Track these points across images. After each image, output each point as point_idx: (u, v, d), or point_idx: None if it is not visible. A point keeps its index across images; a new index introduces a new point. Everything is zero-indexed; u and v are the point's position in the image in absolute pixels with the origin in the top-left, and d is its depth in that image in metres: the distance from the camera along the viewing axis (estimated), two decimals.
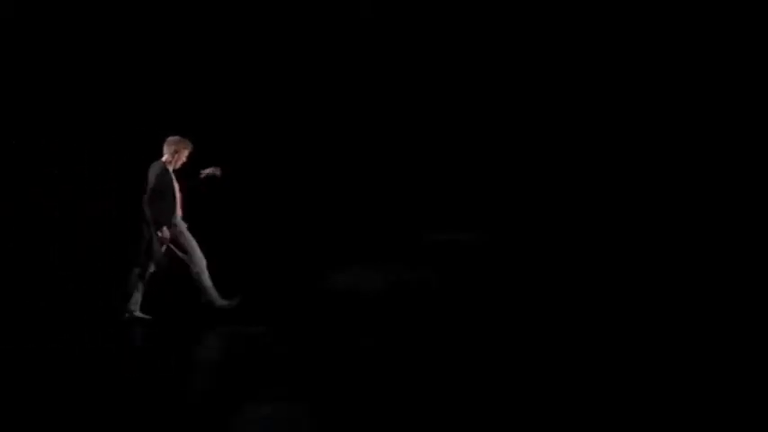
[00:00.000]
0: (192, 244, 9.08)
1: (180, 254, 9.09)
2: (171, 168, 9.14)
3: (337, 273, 10.41)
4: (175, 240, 9.06)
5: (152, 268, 9.03)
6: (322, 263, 9.52)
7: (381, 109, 13.75)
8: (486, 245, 11.88)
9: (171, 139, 9.23)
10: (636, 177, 13.23)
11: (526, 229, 12.48)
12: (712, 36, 13.16)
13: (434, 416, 6.30)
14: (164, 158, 9.15)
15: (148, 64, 13.20)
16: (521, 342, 7.96)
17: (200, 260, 9.06)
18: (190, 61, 13.22)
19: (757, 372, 6.88)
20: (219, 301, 9.02)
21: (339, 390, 6.85)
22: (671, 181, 13.07)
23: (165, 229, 8.93)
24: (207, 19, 13.24)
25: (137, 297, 9.03)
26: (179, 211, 9.13)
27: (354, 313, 9.05)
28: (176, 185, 9.16)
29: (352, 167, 13.21)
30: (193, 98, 13.07)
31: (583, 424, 6.12)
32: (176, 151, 9.14)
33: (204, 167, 9.62)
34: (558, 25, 13.60)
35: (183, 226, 9.15)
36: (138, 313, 8.99)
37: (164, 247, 8.97)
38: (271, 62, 13.34)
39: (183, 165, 9.19)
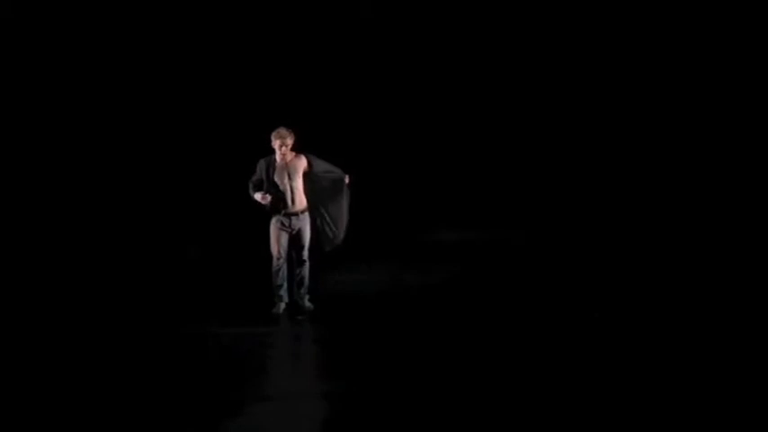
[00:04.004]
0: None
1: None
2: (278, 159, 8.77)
3: (338, 273, 10.40)
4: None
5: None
6: (322, 263, 9.49)
7: (382, 109, 13.76)
8: (489, 244, 11.88)
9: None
10: (633, 177, 13.25)
11: (529, 228, 12.49)
12: (712, 36, 13.19)
13: (435, 415, 6.30)
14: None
15: (148, 64, 13.21)
16: (521, 341, 7.95)
17: None
18: (187, 61, 13.23)
19: (757, 372, 6.89)
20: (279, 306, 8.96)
21: (340, 389, 6.85)
22: (671, 180, 13.10)
23: None
24: (204, 20, 13.25)
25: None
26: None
27: (355, 313, 9.03)
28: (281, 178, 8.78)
29: (351, 167, 13.22)
30: (192, 98, 13.09)
31: (582, 424, 6.12)
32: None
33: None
34: (560, 25, 13.61)
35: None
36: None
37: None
38: (270, 62, 13.36)
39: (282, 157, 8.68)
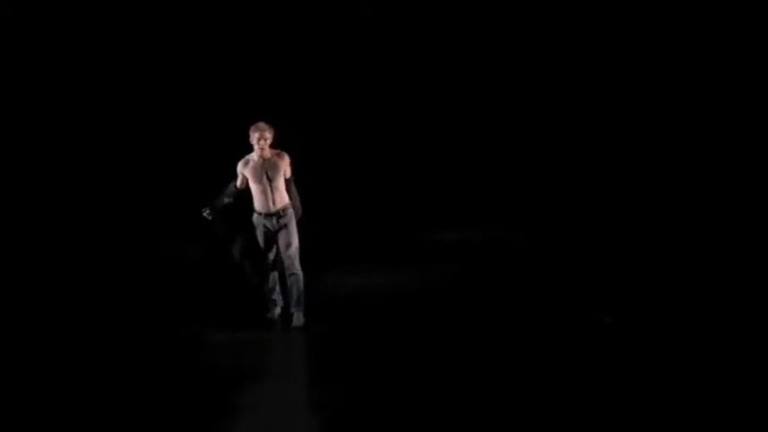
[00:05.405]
0: None
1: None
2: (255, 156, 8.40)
3: (337, 274, 10.38)
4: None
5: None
6: (321, 264, 9.47)
7: (381, 109, 13.76)
8: (489, 244, 11.86)
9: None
10: (633, 177, 13.25)
11: (529, 228, 12.48)
12: (712, 36, 13.19)
13: (436, 415, 6.29)
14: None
15: (149, 63, 13.22)
16: (525, 346, 7.90)
17: None
18: (189, 62, 13.23)
19: (757, 372, 6.87)
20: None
21: (339, 396, 6.83)
22: (667, 180, 13.10)
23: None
24: (204, 18, 13.26)
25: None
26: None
27: (354, 315, 8.97)
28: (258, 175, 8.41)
29: (350, 167, 13.22)
30: (192, 99, 13.09)
31: (582, 424, 6.12)
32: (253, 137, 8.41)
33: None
34: (560, 25, 13.60)
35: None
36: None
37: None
38: (270, 62, 13.35)
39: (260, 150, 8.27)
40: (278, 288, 8.66)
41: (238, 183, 8.48)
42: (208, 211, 8.46)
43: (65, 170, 12.93)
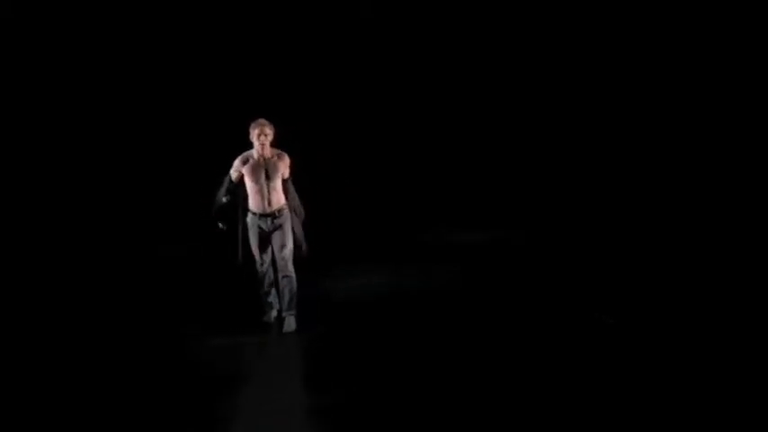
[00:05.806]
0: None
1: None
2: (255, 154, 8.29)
3: (335, 275, 10.36)
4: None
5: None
6: (321, 264, 9.45)
7: (381, 109, 13.76)
8: (489, 244, 11.85)
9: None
10: (634, 177, 13.24)
11: (529, 228, 12.47)
12: (712, 36, 13.19)
13: (436, 416, 6.29)
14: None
15: (149, 63, 13.22)
16: (530, 349, 7.88)
17: None
18: (190, 62, 13.24)
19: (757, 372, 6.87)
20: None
21: (341, 390, 6.83)
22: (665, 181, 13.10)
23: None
24: (204, 18, 13.27)
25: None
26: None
27: (353, 318, 8.94)
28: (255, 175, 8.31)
29: (350, 167, 13.22)
30: (191, 98, 13.09)
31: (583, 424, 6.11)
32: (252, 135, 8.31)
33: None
34: (560, 25, 13.61)
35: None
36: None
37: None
38: (270, 62, 13.36)
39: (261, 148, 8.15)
40: (274, 291, 8.56)
41: (234, 177, 8.34)
42: (223, 226, 8.41)
43: (65, 170, 12.93)
